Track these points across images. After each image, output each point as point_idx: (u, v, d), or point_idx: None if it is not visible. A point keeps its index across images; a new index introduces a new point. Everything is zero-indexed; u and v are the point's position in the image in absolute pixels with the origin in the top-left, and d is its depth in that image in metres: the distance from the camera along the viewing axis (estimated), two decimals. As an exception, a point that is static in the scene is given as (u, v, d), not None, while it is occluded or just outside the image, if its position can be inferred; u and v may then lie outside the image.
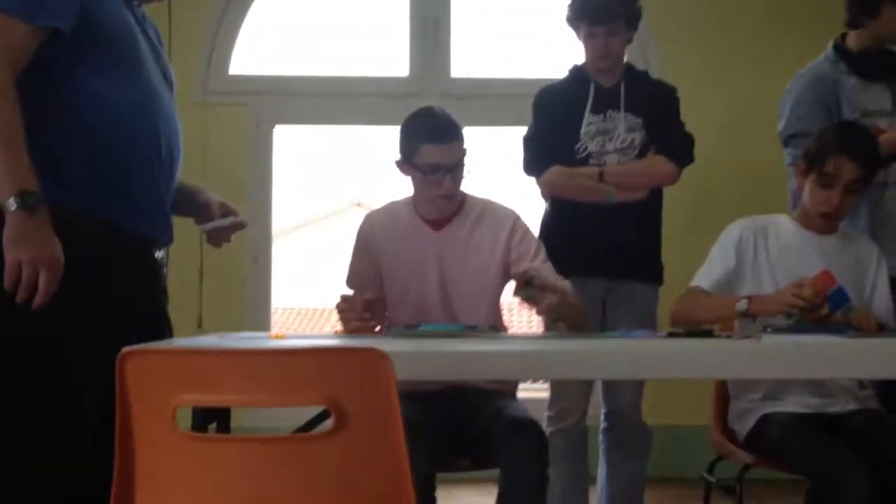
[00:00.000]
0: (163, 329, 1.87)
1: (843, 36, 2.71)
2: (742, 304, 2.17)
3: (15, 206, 1.56)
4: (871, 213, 2.58)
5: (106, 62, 1.76)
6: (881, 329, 2.13)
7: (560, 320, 2.19)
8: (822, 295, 2.09)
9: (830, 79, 2.64)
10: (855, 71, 2.65)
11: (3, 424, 1.66)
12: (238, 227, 2.05)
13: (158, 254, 1.92)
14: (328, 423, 1.20)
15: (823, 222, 2.34)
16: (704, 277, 2.33)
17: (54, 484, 1.67)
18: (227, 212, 2.04)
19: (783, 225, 2.39)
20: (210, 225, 2.02)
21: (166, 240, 1.92)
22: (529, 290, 2.00)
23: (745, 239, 2.34)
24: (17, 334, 1.64)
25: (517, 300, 2.18)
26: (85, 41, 1.72)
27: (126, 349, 1.22)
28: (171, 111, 1.90)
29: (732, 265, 2.32)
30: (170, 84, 1.94)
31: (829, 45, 2.72)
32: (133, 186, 1.79)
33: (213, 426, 1.65)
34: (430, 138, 2.23)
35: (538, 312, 2.14)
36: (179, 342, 1.67)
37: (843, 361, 1.60)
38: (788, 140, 2.66)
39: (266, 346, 1.54)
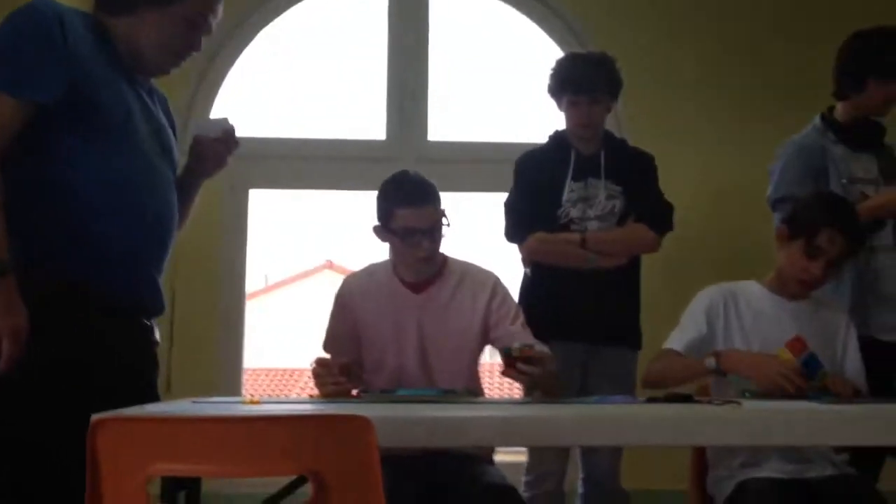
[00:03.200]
0: (150, 394, 1.84)
1: (831, 108, 2.81)
2: (711, 362, 2.18)
3: None
4: (858, 277, 2.62)
5: (92, 132, 1.76)
6: (856, 394, 2.14)
7: (537, 388, 2.17)
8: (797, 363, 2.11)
9: (819, 147, 2.72)
10: (842, 140, 2.74)
11: None
12: (229, 135, 2.00)
13: (149, 321, 1.89)
14: (307, 493, 1.16)
15: (799, 289, 2.36)
16: (677, 340, 2.34)
17: None
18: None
19: (753, 290, 2.41)
20: (197, 127, 1.97)
21: (154, 308, 1.90)
22: (522, 364, 1.99)
23: (716, 305, 2.36)
24: None
25: (495, 362, 2.17)
26: (70, 111, 1.73)
27: (97, 416, 1.19)
28: (163, 182, 1.90)
29: (704, 330, 2.33)
30: (167, 153, 1.94)
31: (817, 116, 2.81)
32: (112, 256, 1.77)
33: (182, 493, 1.60)
34: (406, 202, 2.24)
35: (523, 385, 2.12)
36: (151, 408, 1.63)
37: (823, 428, 1.59)
38: (776, 204, 2.71)
39: (242, 412, 1.50)
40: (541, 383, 2.11)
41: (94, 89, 1.76)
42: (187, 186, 2.03)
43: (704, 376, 2.26)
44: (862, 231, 2.35)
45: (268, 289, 13.39)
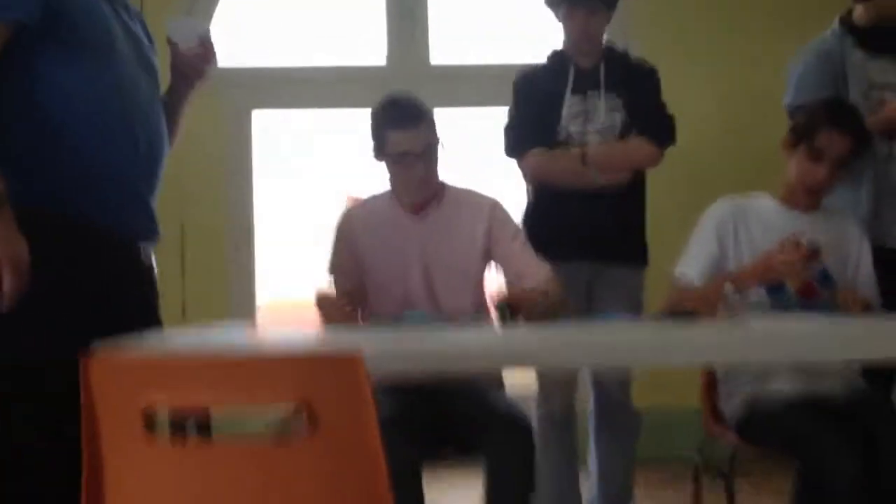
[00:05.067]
0: (149, 320, 1.82)
1: (849, 11, 2.69)
2: (728, 288, 2.14)
3: None
4: (874, 185, 2.57)
5: (74, 52, 1.70)
6: (867, 308, 2.11)
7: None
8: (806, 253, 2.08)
9: (837, 52, 2.63)
10: (862, 44, 2.64)
11: None
12: (207, 44, 1.92)
13: (144, 247, 1.87)
14: (302, 428, 1.16)
15: (808, 197, 2.32)
16: (690, 266, 2.30)
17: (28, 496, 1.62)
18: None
19: (764, 204, 2.36)
20: (172, 31, 1.89)
21: (148, 235, 1.87)
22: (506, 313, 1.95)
23: (725, 222, 2.32)
24: None
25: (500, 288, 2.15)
26: (51, 31, 1.67)
27: (89, 354, 1.18)
28: (150, 100, 1.85)
29: (715, 251, 2.29)
30: (150, 69, 1.88)
31: (835, 19, 2.70)
32: (103, 182, 1.74)
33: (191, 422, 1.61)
34: (396, 125, 2.21)
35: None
36: (151, 338, 1.63)
37: (831, 344, 1.57)
38: (795, 111, 2.63)
39: (238, 348, 1.50)
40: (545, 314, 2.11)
41: (71, 5, 1.70)
42: (173, 103, 1.98)
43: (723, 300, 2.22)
44: (862, 127, 2.30)
45: (284, 218, 13.40)
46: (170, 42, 1.93)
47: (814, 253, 2.08)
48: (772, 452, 2.14)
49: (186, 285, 3.91)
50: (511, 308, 1.93)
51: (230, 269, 3.99)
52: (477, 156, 3.85)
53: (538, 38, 3.51)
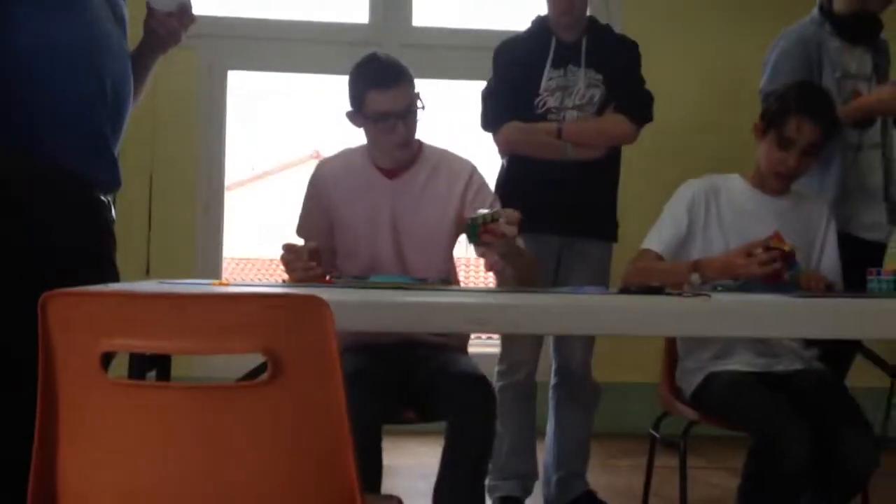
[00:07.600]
0: (106, 272, 1.79)
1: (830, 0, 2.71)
2: (696, 278, 2.14)
3: None
4: (842, 172, 2.59)
5: None
6: (829, 289, 2.15)
7: (509, 265, 2.13)
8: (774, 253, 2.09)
9: (815, 39, 2.64)
10: (839, 33, 2.66)
11: None
12: (184, 9, 1.90)
13: (104, 197, 1.83)
14: (265, 373, 1.15)
15: (777, 183, 2.34)
16: (655, 239, 2.32)
17: None
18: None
19: (736, 185, 2.38)
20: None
21: (110, 183, 1.83)
22: (476, 229, 1.93)
23: (697, 200, 2.33)
24: None
25: (475, 256, 2.13)
26: None
27: (49, 292, 1.16)
28: (119, 50, 1.82)
29: (684, 227, 2.31)
30: (120, 21, 1.85)
31: (815, 7, 2.71)
32: (69, 126, 1.71)
33: (152, 375, 1.60)
34: (377, 85, 2.16)
35: (486, 254, 2.08)
36: (113, 286, 1.60)
37: (791, 321, 1.58)
38: (769, 96, 2.65)
39: (203, 291, 1.48)
40: (515, 270, 2.10)
41: None
42: (142, 62, 1.95)
43: (687, 283, 2.24)
44: (832, 115, 2.32)
45: (254, 178, 13.28)
46: (149, 6, 1.91)
47: (790, 255, 2.10)
48: (726, 427, 2.18)
49: (152, 244, 3.86)
50: (481, 232, 1.91)
51: (199, 232, 3.94)
52: (453, 127, 3.84)
53: (523, 3, 3.48)
